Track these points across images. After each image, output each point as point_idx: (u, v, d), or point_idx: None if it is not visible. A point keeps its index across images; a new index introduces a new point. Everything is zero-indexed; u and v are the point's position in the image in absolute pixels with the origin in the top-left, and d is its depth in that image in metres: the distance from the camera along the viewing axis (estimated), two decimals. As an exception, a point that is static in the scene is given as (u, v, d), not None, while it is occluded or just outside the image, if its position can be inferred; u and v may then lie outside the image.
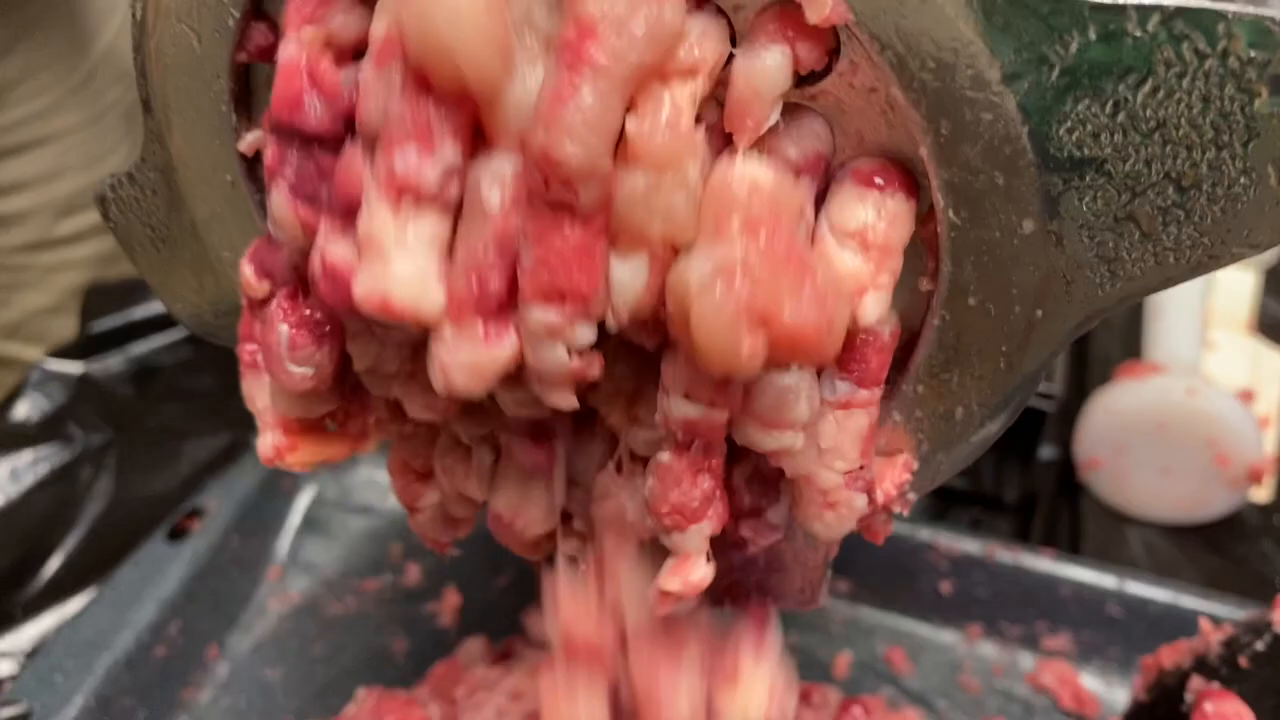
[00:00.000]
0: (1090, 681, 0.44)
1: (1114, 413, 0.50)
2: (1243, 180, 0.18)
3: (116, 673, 0.43)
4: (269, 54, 0.21)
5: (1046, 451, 0.53)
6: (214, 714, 0.45)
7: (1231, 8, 0.16)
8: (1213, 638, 0.35)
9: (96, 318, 0.60)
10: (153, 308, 0.60)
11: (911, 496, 0.22)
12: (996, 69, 0.17)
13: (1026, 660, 0.45)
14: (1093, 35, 0.17)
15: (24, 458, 0.55)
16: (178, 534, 0.47)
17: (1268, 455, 0.50)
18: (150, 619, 0.45)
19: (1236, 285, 0.62)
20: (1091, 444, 0.50)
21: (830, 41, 0.18)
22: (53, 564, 0.51)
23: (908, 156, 0.19)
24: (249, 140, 0.22)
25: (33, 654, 0.46)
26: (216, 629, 0.47)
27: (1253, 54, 0.17)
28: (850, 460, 0.21)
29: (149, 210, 0.24)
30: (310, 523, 0.50)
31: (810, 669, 0.46)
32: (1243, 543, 0.51)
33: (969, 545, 0.46)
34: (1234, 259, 0.18)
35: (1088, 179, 0.18)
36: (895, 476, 0.21)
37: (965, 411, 0.21)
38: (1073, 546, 0.51)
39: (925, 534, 0.47)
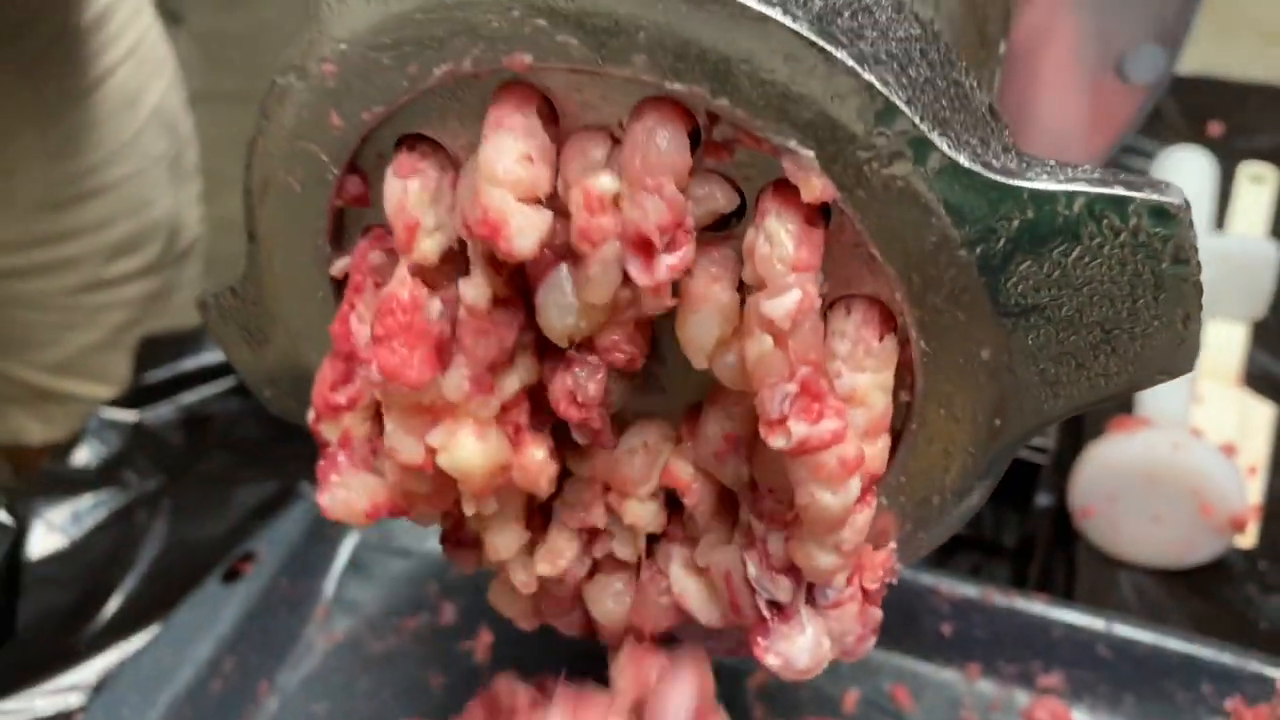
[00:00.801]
0: (1081, 717, 0.47)
1: (1105, 465, 0.53)
2: (1155, 324, 0.21)
3: (178, 706, 0.46)
4: (361, 201, 0.24)
5: (1043, 500, 0.56)
6: (266, 744, 0.48)
7: (1139, 195, 0.20)
8: None
9: (149, 369, 0.64)
10: (202, 360, 0.64)
11: (898, 568, 0.25)
12: (958, 237, 0.21)
13: (1022, 697, 0.48)
14: (1030, 214, 0.21)
15: (85, 501, 0.59)
16: (231, 576, 0.51)
17: (1249, 505, 0.53)
18: (207, 656, 0.48)
19: (1226, 339, 0.65)
20: (1085, 493, 0.54)
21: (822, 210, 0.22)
22: (113, 603, 0.54)
23: (886, 298, 0.23)
24: (339, 266, 0.26)
25: (99, 688, 0.49)
26: (267, 665, 0.50)
27: (1157, 229, 0.20)
28: (852, 543, 0.24)
29: (248, 318, 0.27)
30: (354, 565, 0.54)
31: (820, 705, 0.49)
32: (1227, 586, 0.54)
33: (968, 590, 0.49)
34: (1154, 383, 0.21)
35: (1032, 321, 0.22)
36: (877, 568, 0.25)
37: (940, 498, 0.24)
38: (1067, 589, 0.54)
39: (928, 579, 0.50)
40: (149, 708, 0.46)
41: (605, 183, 0.22)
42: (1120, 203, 0.20)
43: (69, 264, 0.75)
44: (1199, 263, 0.20)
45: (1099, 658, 0.48)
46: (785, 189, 0.21)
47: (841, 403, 0.23)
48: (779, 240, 0.21)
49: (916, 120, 0.20)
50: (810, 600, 0.27)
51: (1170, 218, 0.20)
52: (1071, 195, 0.20)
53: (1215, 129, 0.81)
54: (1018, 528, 0.55)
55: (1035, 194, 0.21)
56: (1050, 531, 0.56)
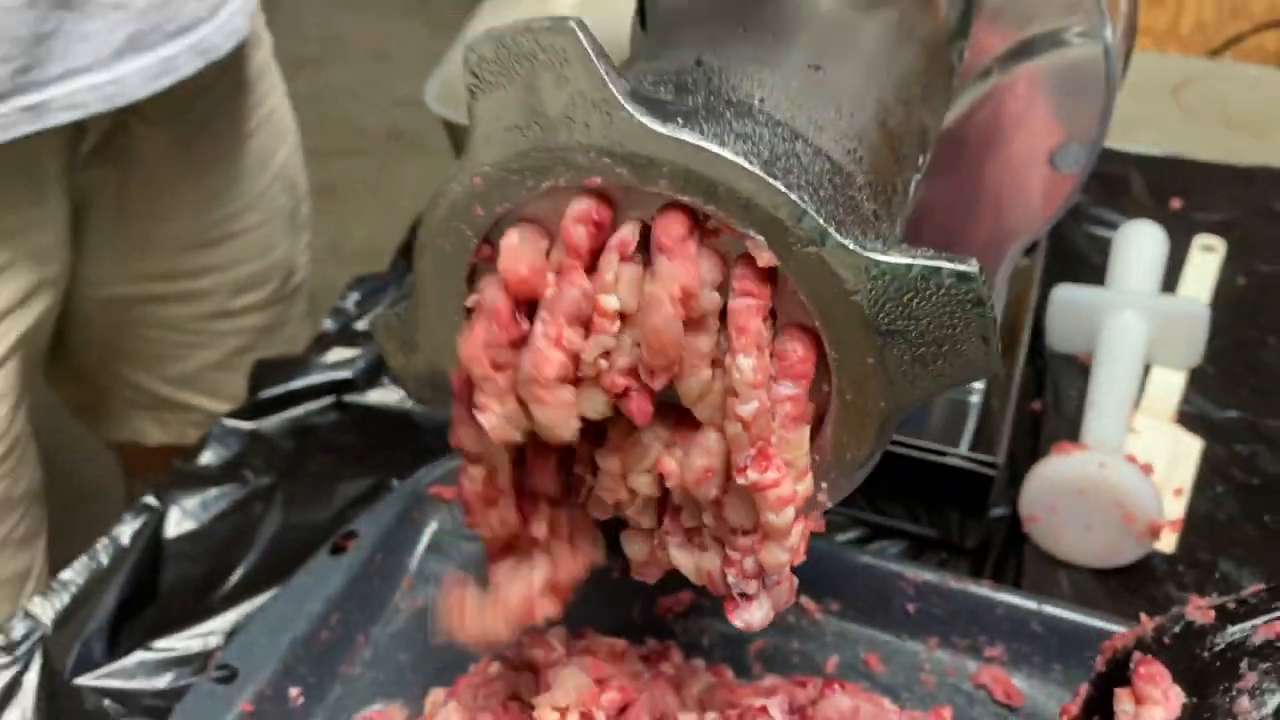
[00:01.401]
0: (1019, 682, 0.58)
1: (1047, 480, 0.64)
2: (967, 342, 0.33)
3: (295, 648, 0.58)
4: (490, 260, 0.37)
5: (997, 510, 0.68)
6: (361, 685, 0.59)
7: (948, 265, 0.32)
8: (1148, 625, 0.48)
9: (264, 387, 0.77)
10: (309, 380, 0.77)
11: (826, 502, 0.38)
12: (849, 289, 0.33)
13: (971, 665, 0.59)
14: (890, 276, 0.33)
15: (210, 494, 0.71)
16: (337, 550, 0.63)
17: (1165, 516, 0.64)
18: (319, 611, 0.60)
19: (1166, 383, 0.76)
20: (1031, 504, 0.65)
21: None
22: (237, 574, 0.66)
23: (811, 325, 0.35)
24: (471, 300, 0.38)
25: (232, 633, 0.62)
26: (364, 622, 0.62)
27: (962, 285, 0.32)
28: (795, 545, 0.38)
29: (404, 333, 0.40)
30: (433, 546, 0.66)
31: (808, 667, 0.60)
32: (1150, 584, 0.64)
33: (929, 576, 0.61)
34: (972, 380, 0.33)
35: (895, 340, 0.34)
36: (799, 555, 0.38)
37: (852, 455, 0.36)
38: (1016, 583, 0.65)
39: (897, 566, 0.62)
40: (274, 647, 0.57)
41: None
42: (939, 270, 0.32)
43: (202, 295, 0.88)
44: (991, 304, 0.32)
45: (1033, 633, 0.59)
46: (748, 259, 0.34)
47: (783, 463, 0.36)
48: (744, 369, 0.35)
49: (820, 221, 0.32)
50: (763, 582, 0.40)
51: (970, 278, 0.32)
52: (911, 264, 0.33)
53: (1176, 203, 0.92)
54: (976, 532, 0.66)
55: (892, 264, 0.33)
56: (1003, 536, 0.67)
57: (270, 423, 0.75)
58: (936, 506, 0.66)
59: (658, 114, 0.33)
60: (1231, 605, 0.43)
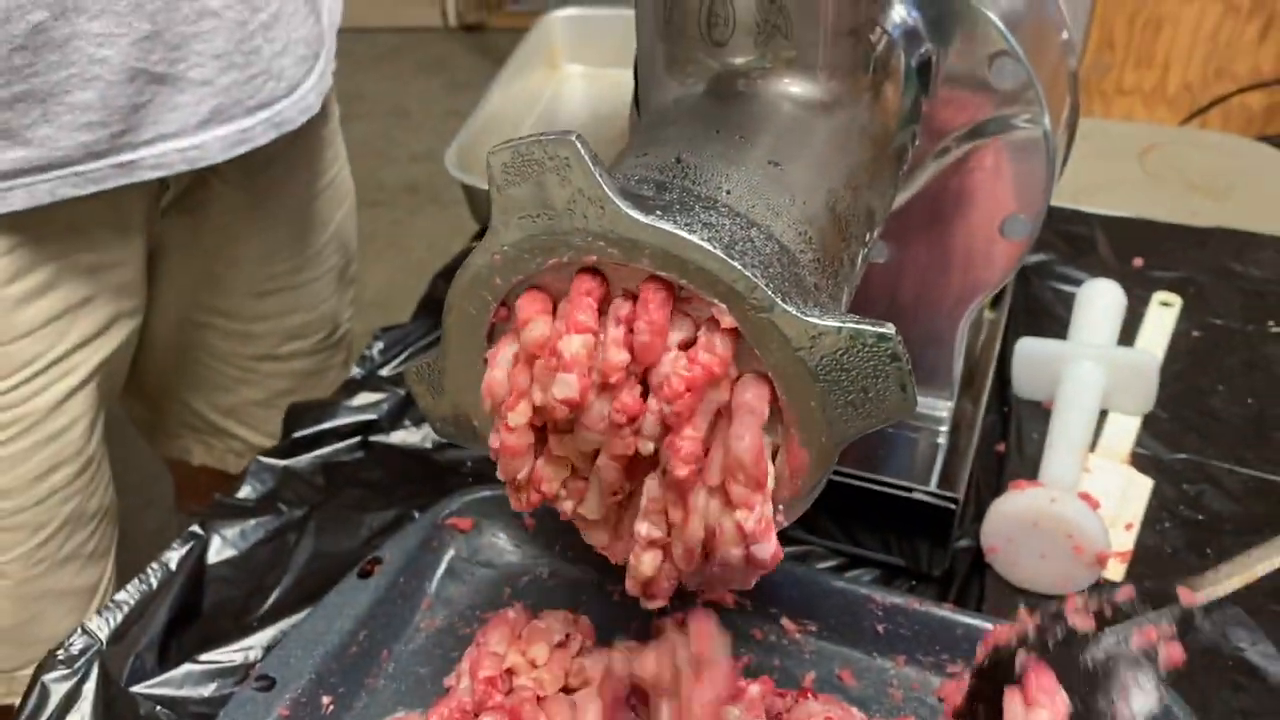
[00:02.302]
0: (977, 695, 0.65)
1: (1004, 514, 0.71)
2: (889, 389, 0.40)
3: (327, 661, 0.65)
4: (505, 319, 0.45)
5: (962, 541, 0.75)
6: (384, 695, 0.66)
7: (869, 328, 0.39)
8: (1029, 621, 0.55)
9: (297, 428, 0.85)
10: (338, 422, 0.84)
11: (782, 521, 0.45)
12: (794, 345, 0.40)
13: (934, 679, 0.66)
14: (826, 336, 0.40)
15: (249, 524, 0.78)
16: (364, 574, 0.70)
17: (1114, 548, 0.71)
18: (348, 628, 0.66)
19: (1121, 427, 0.83)
20: (990, 535, 0.72)
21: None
22: (272, 596, 0.74)
23: (767, 372, 0.43)
24: (489, 353, 0.46)
25: (270, 647, 0.69)
26: (388, 639, 0.68)
27: (881, 344, 0.39)
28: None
29: (433, 378, 0.47)
30: (450, 571, 0.72)
31: (786, 681, 0.67)
32: (1099, 609, 0.71)
33: (898, 599, 0.67)
34: (894, 421, 0.41)
35: (831, 386, 0.41)
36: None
37: (804, 488, 0.44)
38: (978, 608, 0.72)
39: (868, 591, 0.68)
40: (308, 659, 0.64)
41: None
42: (862, 332, 0.40)
43: (256, 337, 0.97)
44: (907, 358, 0.39)
45: (989, 651, 0.65)
46: (714, 321, 0.42)
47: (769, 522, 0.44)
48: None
49: (770, 292, 0.40)
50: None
51: (887, 338, 0.39)
52: (841, 327, 0.40)
53: (1138, 261, 1.00)
54: (941, 561, 0.73)
55: (826, 326, 0.40)
56: (967, 564, 0.74)
57: (303, 460, 0.83)
58: (906, 537, 0.73)
59: (641, 207, 0.40)
60: (1108, 611, 0.50)
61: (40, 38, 0.69)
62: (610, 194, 0.40)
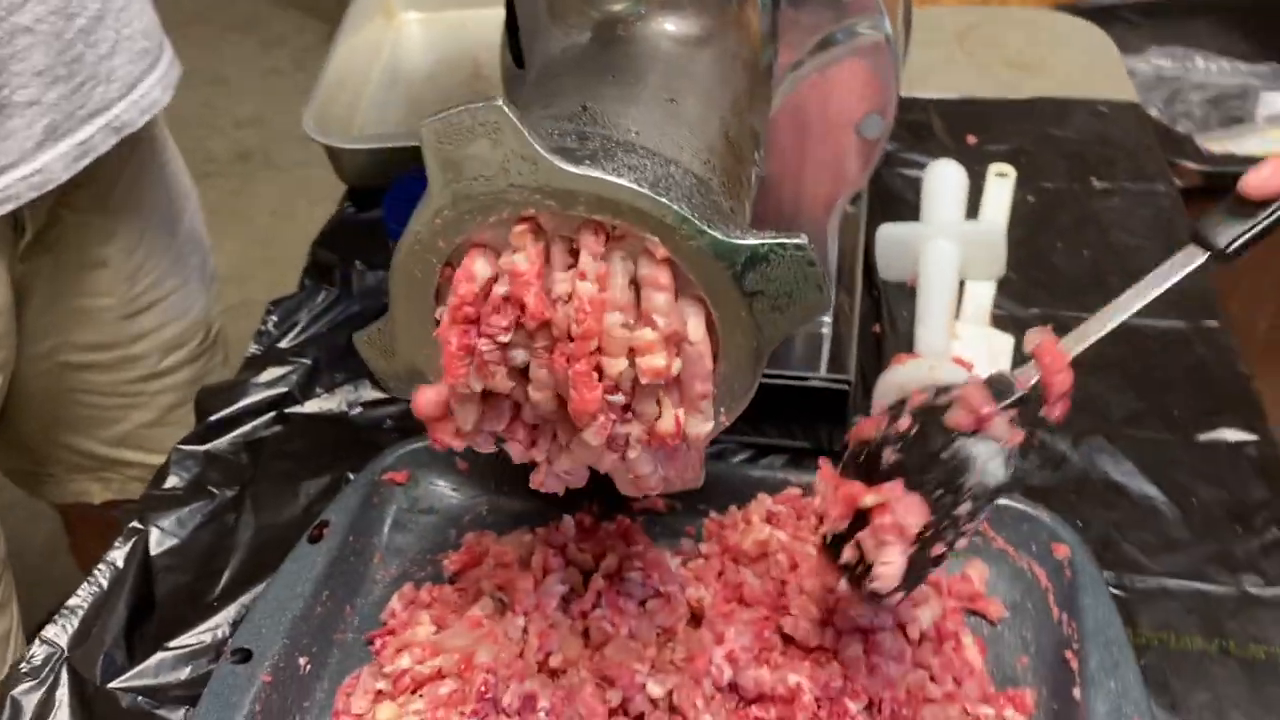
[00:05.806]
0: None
1: (889, 385, 0.77)
2: (808, 292, 0.46)
3: (296, 625, 0.67)
4: (450, 279, 0.48)
5: (855, 418, 0.82)
6: (355, 647, 0.70)
7: (787, 240, 0.44)
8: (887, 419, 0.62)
9: (210, 413, 0.86)
10: (249, 400, 0.86)
11: (724, 421, 0.50)
12: (721, 264, 0.45)
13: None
14: (747, 253, 0.45)
15: (183, 512, 0.78)
16: (315, 539, 0.72)
17: (989, 401, 0.79)
18: (309, 591, 0.69)
19: (979, 293, 0.92)
20: (878, 407, 0.79)
21: None
22: (226, 575, 0.76)
23: (701, 294, 0.47)
24: (438, 312, 0.49)
25: (237, 623, 0.72)
26: (349, 596, 0.72)
27: (797, 252, 0.45)
28: None
29: (384, 342, 0.51)
30: (396, 523, 0.76)
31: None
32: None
33: (809, 477, 0.74)
34: (815, 318, 0.46)
35: (757, 297, 0.46)
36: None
37: (739, 385, 0.49)
38: (879, 475, 0.79)
39: (783, 474, 0.75)
40: (278, 626, 0.67)
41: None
42: (782, 244, 0.45)
43: (136, 360, 0.95)
44: (821, 261, 0.45)
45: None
46: (648, 253, 0.46)
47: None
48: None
49: (695, 220, 0.44)
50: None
51: (802, 248, 0.45)
52: (762, 243, 0.45)
53: (972, 139, 1.08)
54: (840, 438, 0.80)
55: (749, 245, 0.45)
56: (863, 437, 0.82)
57: (223, 442, 0.84)
58: (807, 422, 0.79)
59: (571, 159, 0.44)
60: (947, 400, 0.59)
61: None
62: (541, 151, 0.44)
